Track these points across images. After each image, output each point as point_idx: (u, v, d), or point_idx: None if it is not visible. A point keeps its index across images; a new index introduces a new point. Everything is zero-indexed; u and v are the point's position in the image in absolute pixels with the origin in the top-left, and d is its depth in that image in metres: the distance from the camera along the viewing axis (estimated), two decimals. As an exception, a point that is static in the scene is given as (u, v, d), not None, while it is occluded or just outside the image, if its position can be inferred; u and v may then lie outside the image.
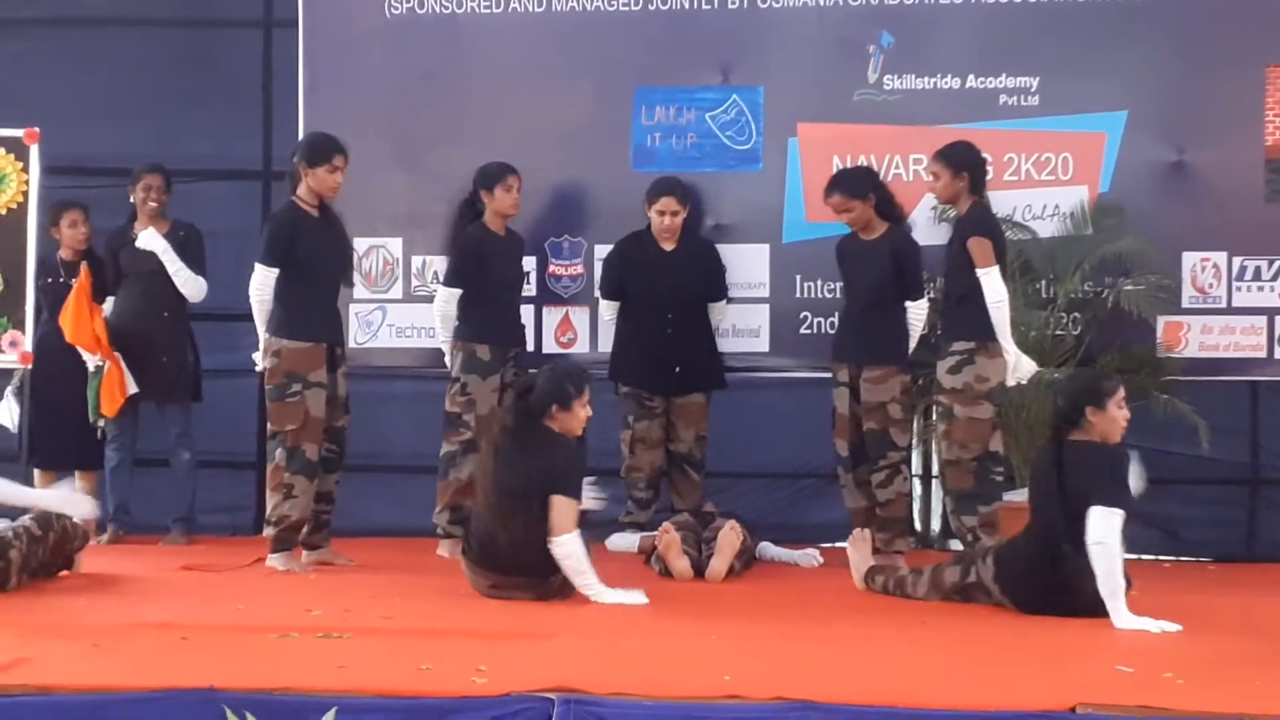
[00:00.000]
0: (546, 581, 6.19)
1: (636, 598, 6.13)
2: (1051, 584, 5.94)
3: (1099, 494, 5.81)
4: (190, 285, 8.09)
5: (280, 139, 8.52)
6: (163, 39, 8.91)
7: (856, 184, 7.54)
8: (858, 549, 6.85)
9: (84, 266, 8.08)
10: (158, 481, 8.21)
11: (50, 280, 8.21)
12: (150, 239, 8.05)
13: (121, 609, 5.91)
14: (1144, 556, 8.15)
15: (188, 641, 5.17)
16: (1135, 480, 6.02)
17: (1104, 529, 5.76)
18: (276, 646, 5.14)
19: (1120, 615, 5.70)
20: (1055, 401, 6.29)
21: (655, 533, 7.39)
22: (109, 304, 8.21)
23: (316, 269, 7.20)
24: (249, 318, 7.28)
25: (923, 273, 7.57)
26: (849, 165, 7.93)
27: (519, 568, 6.17)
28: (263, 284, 7.14)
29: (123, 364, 8.07)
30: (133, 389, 8.08)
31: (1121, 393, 6.09)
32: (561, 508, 6.10)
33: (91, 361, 8.08)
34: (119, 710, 4.37)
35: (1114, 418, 6.04)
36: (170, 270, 8.04)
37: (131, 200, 8.16)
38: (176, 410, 8.19)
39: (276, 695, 4.38)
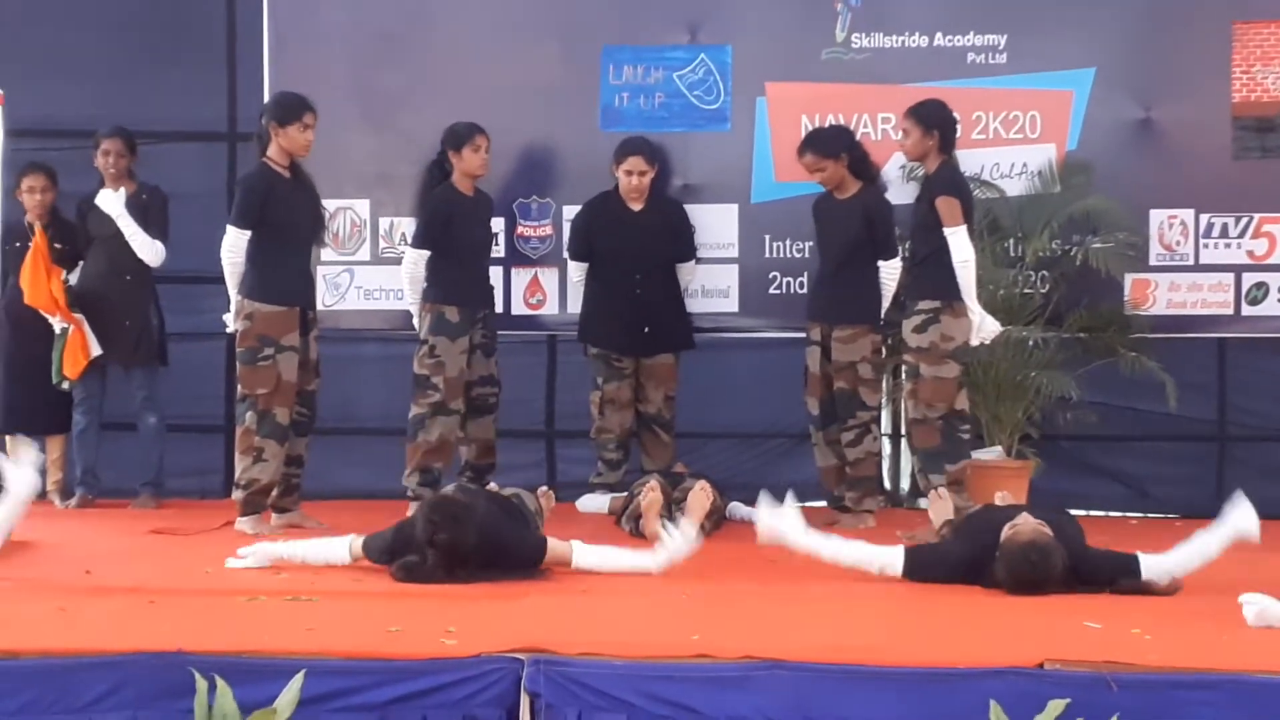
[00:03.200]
0: None
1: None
2: None
3: None
4: (146, 249, 8.01)
5: (245, 100, 8.46)
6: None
7: (829, 143, 7.53)
8: (937, 508, 6.70)
9: (39, 229, 8.03)
10: (125, 445, 8.18)
11: (18, 244, 8.15)
12: (107, 200, 7.99)
13: (89, 573, 5.88)
14: (1112, 513, 8.21)
15: (155, 605, 5.17)
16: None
17: None
18: (245, 610, 5.13)
19: None
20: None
21: (625, 493, 7.40)
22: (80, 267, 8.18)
23: (289, 231, 7.17)
24: (216, 280, 7.25)
25: (896, 232, 7.57)
26: (817, 124, 7.92)
27: None
28: (234, 246, 7.10)
29: (85, 326, 8.03)
30: (96, 351, 8.05)
31: None
32: None
33: (57, 324, 8.04)
34: (85, 674, 4.36)
35: None
36: (126, 234, 7.97)
37: (97, 165, 8.10)
38: (142, 374, 8.14)
39: (245, 658, 4.38)
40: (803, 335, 7.66)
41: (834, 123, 7.91)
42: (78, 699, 4.34)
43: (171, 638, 4.50)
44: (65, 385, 8.11)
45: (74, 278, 8.14)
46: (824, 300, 7.61)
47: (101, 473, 8.19)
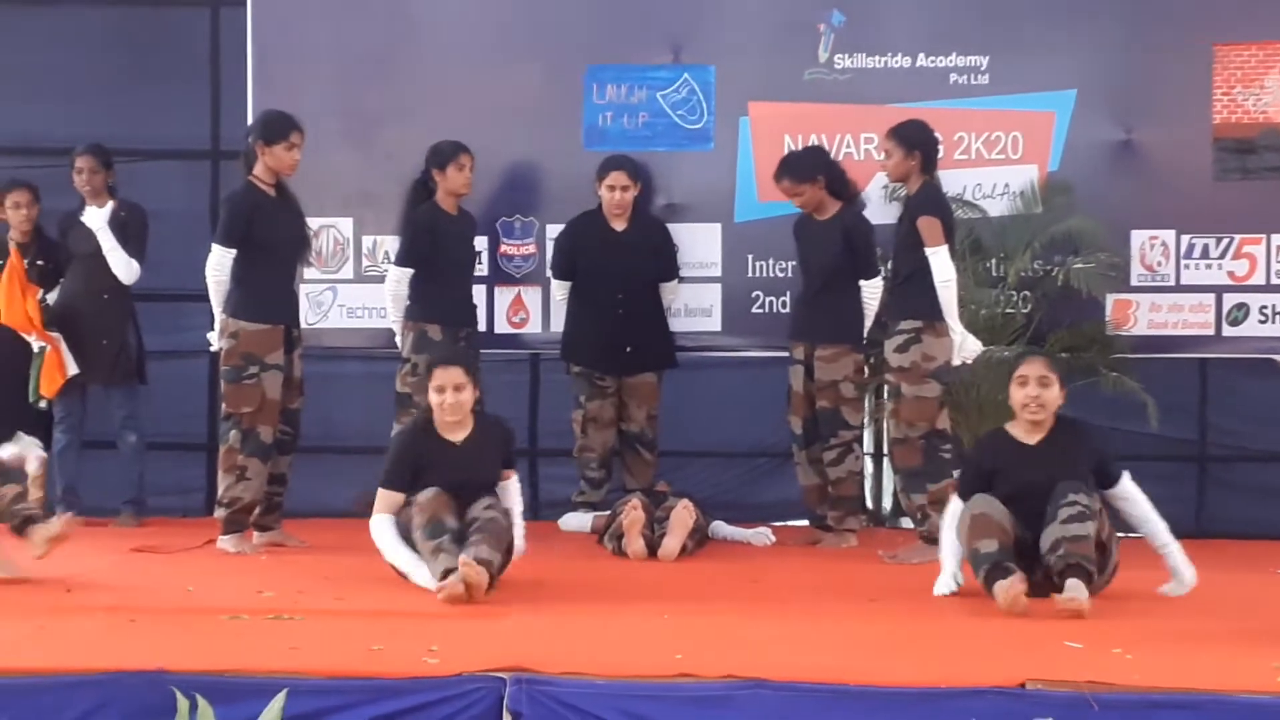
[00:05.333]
0: None
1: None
2: None
3: None
4: (121, 266, 7.99)
5: (229, 119, 8.45)
6: (110, 18, 8.80)
7: (803, 167, 7.52)
8: None
9: (14, 248, 8.02)
10: (107, 464, 8.15)
11: (1, 262, 8.13)
12: (92, 215, 7.98)
13: (69, 591, 5.87)
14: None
15: (136, 624, 5.16)
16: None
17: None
18: (227, 628, 5.13)
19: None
20: None
21: (608, 512, 7.41)
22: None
23: (274, 250, 7.16)
24: (199, 298, 7.23)
25: (876, 251, 7.58)
26: (800, 144, 7.93)
27: None
28: (220, 265, 7.09)
29: (62, 345, 8.01)
30: (73, 370, 8.02)
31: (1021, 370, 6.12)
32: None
33: (35, 343, 8.02)
34: (66, 693, 4.35)
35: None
36: (105, 248, 7.96)
37: (75, 183, 8.09)
38: (121, 393, 8.13)
39: (227, 677, 4.37)
40: (785, 354, 7.67)
41: (816, 142, 7.92)
42: (58, 718, 4.33)
43: (153, 657, 4.49)
44: (42, 404, 8.09)
45: (54, 296, 8.13)
46: (806, 320, 7.61)
47: (82, 491, 8.15)
